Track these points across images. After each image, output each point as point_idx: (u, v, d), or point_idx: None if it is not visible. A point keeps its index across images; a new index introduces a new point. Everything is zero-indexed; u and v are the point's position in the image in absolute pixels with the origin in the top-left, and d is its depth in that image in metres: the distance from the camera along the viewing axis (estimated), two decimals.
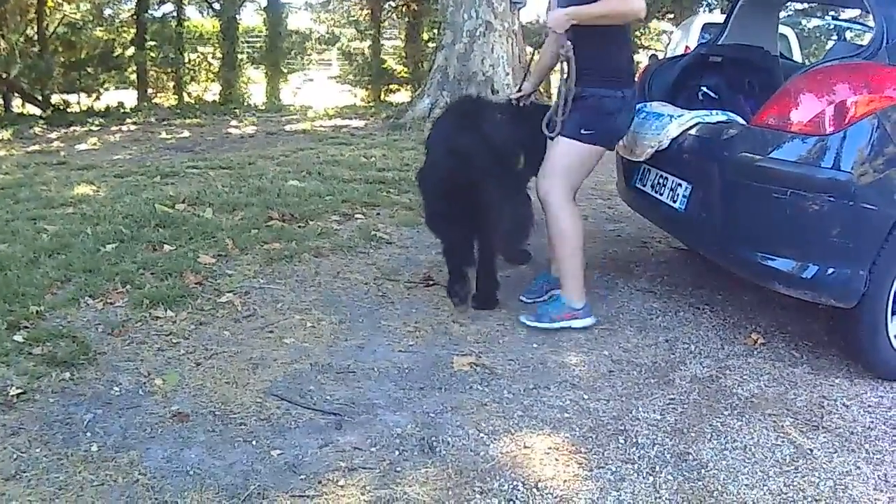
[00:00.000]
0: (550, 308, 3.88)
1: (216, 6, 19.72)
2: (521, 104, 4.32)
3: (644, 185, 4.27)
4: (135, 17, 18.93)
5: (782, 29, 10.52)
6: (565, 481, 2.65)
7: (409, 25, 21.70)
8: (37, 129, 11.48)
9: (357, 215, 5.70)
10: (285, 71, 21.25)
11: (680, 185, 3.91)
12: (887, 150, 3.22)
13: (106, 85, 18.79)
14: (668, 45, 17.14)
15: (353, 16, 23.58)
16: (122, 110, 14.82)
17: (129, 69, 19.20)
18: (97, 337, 3.55)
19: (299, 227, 5.28)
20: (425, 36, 21.29)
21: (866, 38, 3.91)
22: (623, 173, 4.63)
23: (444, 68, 10.91)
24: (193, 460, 2.68)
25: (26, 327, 3.54)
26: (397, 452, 2.78)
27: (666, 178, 4.05)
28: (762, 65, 4.76)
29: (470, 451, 2.81)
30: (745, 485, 2.68)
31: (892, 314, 3.43)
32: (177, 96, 19.27)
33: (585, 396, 3.24)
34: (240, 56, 20.15)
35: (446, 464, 2.72)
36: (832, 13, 12.85)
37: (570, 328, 3.85)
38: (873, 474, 2.78)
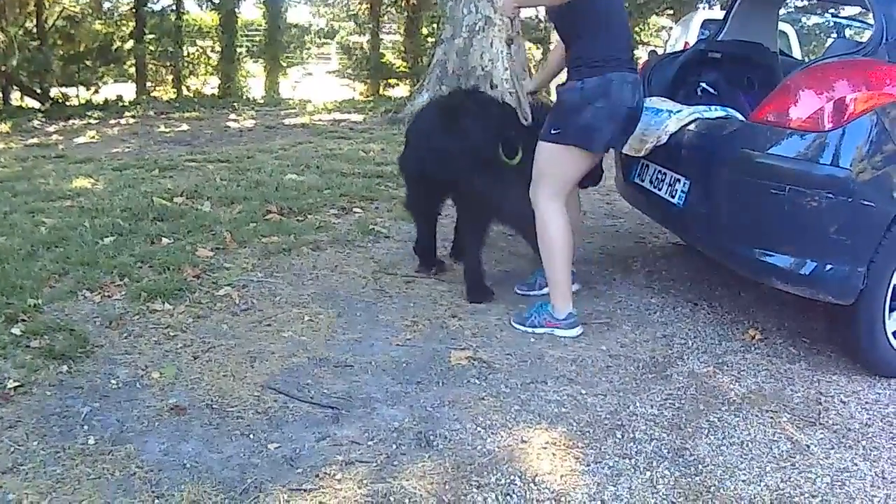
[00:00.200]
0: (535, 313, 3.82)
1: (215, 0, 19.68)
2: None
3: (642, 181, 4.26)
4: (134, 10, 18.85)
5: (782, 26, 10.52)
6: (562, 476, 2.65)
7: (409, 20, 21.61)
8: (35, 122, 11.44)
9: (355, 209, 5.70)
10: (284, 65, 21.19)
11: (678, 180, 3.90)
12: (886, 146, 3.22)
13: (105, 78, 18.69)
14: (667, 41, 17.15)
15: (353, 10, 23.54)
16: (120, 104, 14.75)
17: (128, 62, 19.10)
18: (95, 330, 3.55)
19: (297, 220, 5.29)
20: (424, 30, 21.21)
21: (866, 36, 3.91)
22: (621, 169, 4.63)
23: (443, 63, 10.87)
24: (190, 453, 2.68)
25: (24, 320, 3.53)
26: (394, 446, 2.78)
27: (664, 173, 4.04)
28: (761, 61, 4.76)
29: (467, 445, 2.81)
30: (743, 481, 2.68)
31: (890, 311, 3.43)
32: (175, 90, 19.20)
33: (583, 391, 3.24)
34: (239, 50, 20.08)
35: (443, 458, 2.72)
36: (832, 10, 12.82)
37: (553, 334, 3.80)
38: (870, 471, 2.79)
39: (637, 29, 20.71)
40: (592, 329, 3.84)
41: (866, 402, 3.29)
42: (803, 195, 3.27)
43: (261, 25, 21.37)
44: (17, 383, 3.02)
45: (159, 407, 2.96)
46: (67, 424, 2.81)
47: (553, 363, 3.49)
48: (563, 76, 4.03)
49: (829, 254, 3.31)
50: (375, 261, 4.68)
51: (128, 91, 17.93)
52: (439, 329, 3.79)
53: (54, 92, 16.70)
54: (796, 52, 12.81)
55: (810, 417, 3.13)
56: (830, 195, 3.22)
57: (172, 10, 19.45)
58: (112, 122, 11.63)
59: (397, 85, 21.04)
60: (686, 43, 12.28)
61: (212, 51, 20.12)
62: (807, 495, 2.62)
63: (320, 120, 11.65)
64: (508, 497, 2.53)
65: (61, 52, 17.41)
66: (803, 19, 18.70)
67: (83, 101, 16.03)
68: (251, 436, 2.80)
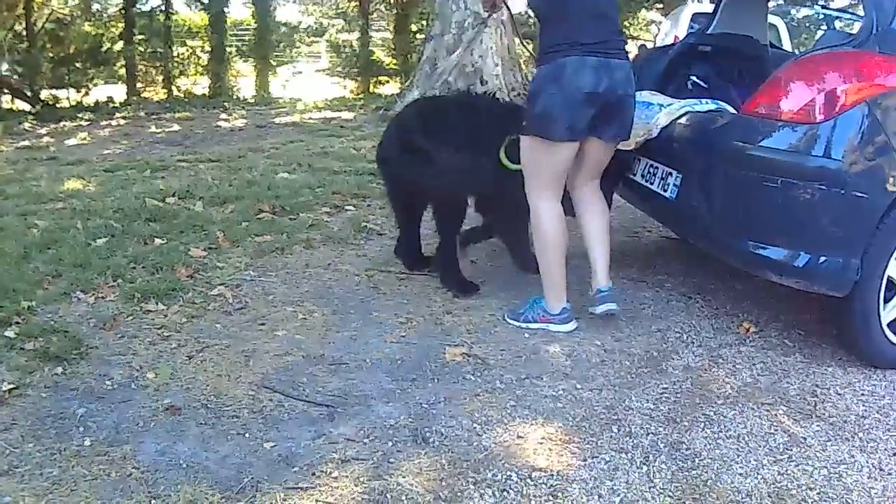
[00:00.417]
0: (529, 309, 3.81)
1: (204, 0, 19.64)
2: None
3: (634, 175, 4.26)
4: (123, 11, 18.82)
5: (772, 19, 10.54)
6: (559, 471, 2.65)
7: (398, 17, 21.59)
8: (26, 125, 11.40)
9: (347, 207, 5.70)
10: (274, 64, 21.18)
11: (670, 174, 3.90)
12: (877, 138, 3.23)
13: (95, 80, 18.62)
14: (657, 34, 17.14)
15: (342, 7, 23.52)
16: (111, 105, 14.73)
17: (118, 64, 19.04)
18: (89, 331, 3.54)
19: (290, 219, 5.28)
20: (414, 27, 21.21)
21: (856, 27, 3.92)
22: None
23: (432, 60, 10.88)
24: (186, 453, 2.67)
25: (18, 322, 3.52)
26: (390, 443, 2.78)
27: (656, 167, 4.04)
28: (752, 54, 4.76)
29: (463, 441, 2.81)
30: (739, 474, 2.69)
31: (885, 302, 3.44)
32: (166, 90, 19.15)
33: (578, 386, 3.24)
34: (228, 49, 20.07)
35: (439, 454, 2.72)
36: (821, 2, 12.86)
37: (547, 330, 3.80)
38: (867, 462, 2.80)
39: (627, 23, 20.72)
40: (587, 323, 3.83)
41: (862, 394, 3.30)
42: (796, 187, 3.26)
43: (250, 24, 21.37)
44: (11, 385, 3.01)
45: (155, 407, 2.95)
46: (63, 426, 2.80)
47: (548, 358, 3.49)
48: None
49: (822, 246, 3.31)
50: (369, 258, 4.67)
51: (118, 92, 17.89)
52: (434, 326, 3.79)
53: (45, 94, 16.65)
54: (786, 45, 12.84)
55: (806, 410, 3.14)
56: (823, 187, 3.22)
57: (161, 11, 19.40)
58: (103, 123, 11.60)
59: (387, 82, 21.02)
60: (676, 37, 12.31)
61: (201, 51, 20.09)
62: (804, 488, 2.63)
63: (311, 118, 11.65)
64: (505, 493, 2.53)
65: (51, 55, 17.39)
66: (793, 11, 18.72)
67: (74, 103, 15.98)
68: (247, 435, 2.79)
